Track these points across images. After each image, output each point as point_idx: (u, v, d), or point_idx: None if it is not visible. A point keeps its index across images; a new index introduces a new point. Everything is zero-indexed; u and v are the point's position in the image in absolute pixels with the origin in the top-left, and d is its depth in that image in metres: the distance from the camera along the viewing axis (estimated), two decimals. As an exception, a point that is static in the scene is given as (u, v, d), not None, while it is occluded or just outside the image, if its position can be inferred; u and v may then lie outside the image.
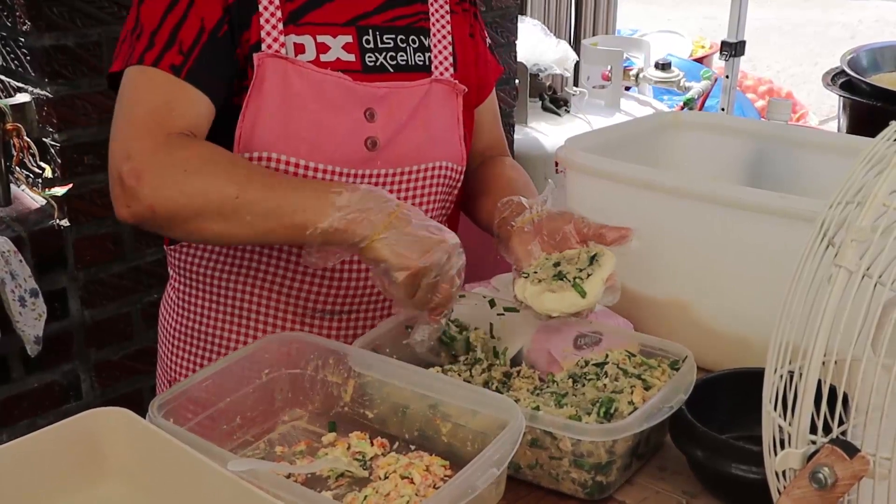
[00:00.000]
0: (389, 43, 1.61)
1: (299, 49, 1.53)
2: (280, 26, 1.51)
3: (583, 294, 1.46)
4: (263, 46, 1.50)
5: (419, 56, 1.64)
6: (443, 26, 1.67)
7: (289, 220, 1.38)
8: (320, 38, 1.55)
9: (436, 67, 1.65)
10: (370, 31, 1.60)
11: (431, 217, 1.65)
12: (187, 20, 1.47)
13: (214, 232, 1.42)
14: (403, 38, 1.63)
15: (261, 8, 1.51)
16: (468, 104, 1.72)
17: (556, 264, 1.51)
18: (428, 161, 1.62)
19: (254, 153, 1.51)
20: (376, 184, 1.58)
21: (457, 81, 1.66)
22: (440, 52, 1.65)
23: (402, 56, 1.62)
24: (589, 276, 1.47)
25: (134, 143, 1.42)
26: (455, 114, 1.67)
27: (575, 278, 1.47)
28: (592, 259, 1.50)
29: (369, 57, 1.59)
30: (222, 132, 1.51)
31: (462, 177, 1.69)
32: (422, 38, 1.65)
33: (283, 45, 1.51)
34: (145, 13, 1.49)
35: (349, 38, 1.57)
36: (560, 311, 1.48)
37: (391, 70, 1.60)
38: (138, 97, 1.46)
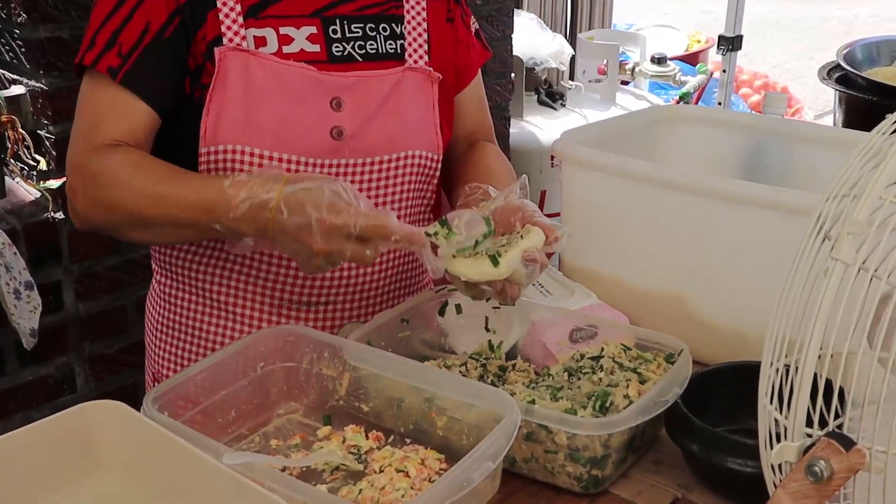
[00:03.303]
0: (358, 32, 1.60)
1: (260, 42, 1.53)
2: (240, 20, 1.51)
3: (495, 263, 1.40)
4: (224, 41, 1.50)
5: (391, 44, 1.63)
6: (417, 13, 1.65)
7: (195, 225, 1.44)
8: (283, 30, 1.55)
9: (409, 55, 1.63)
10: (337, 20, 1.59)
11: (410, 208, 1.66)
12: (131, 22, 1.49)
13: (140, 239, 1.56)
14: (373, 26, 1.61)
15: (218, 4, 1.51)
16: (446, 91, 1.71)
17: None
18: (400, 150, 1.61)
19: (219, 146, 1.51)
20: (345, 174, 1.57)
21: (431, 69, 1.65)
22: (414, 40, 1.64)
23: (371, 45, 1.61)
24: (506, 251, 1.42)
25: (71, 159, 1.53)
26: (430, 102, 1.65)
27: (496, 250, 1.42)
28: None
29: (336, 47, 1.58)
30: (188, 129, 1.52)
31: (439, 165, 1.69)
32: (393, 25, 1.63)
33: (243, 38, 1.51)
34: (95, 12, 1.51)
35: (313, 29, 1.57)
36: (469, 276, 1.41)
37: (360, 59, 1.59)
38: (79, 108, 1.55)
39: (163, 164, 1.49)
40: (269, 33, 1.54)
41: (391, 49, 1.62)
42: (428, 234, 1.39)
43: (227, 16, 1.50)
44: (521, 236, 1.43)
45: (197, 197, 1.42)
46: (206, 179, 1.47)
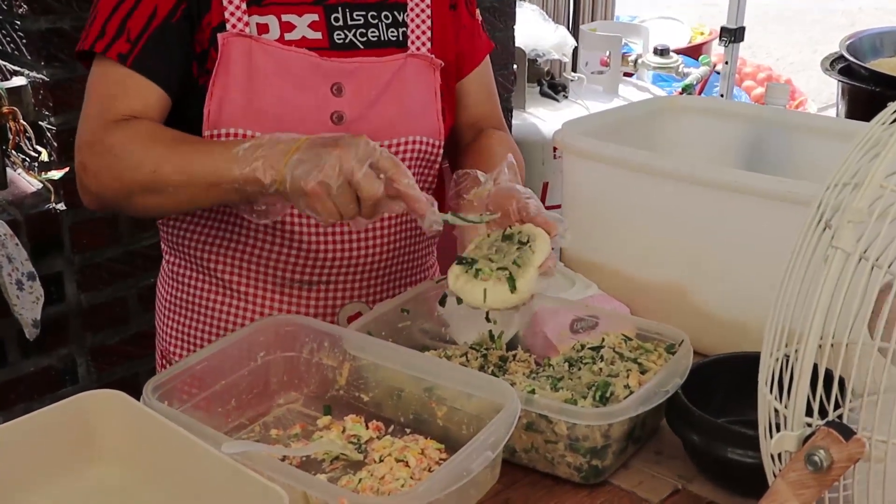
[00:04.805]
0: (360, 20, 1.61)
1: (262, 29, 1.54)
2: (243, 6, 1.53)
3: (513, 289, 1.39)
4: (228, 27, 1.52)
5: (393, 32, 1.63)
6: (421, 0, 1.66)
7: (204, 182, 1.43)
8: (285, 18, 1.56)
9: (412, 42, 1.64)
10: (339, 8, 1.60)
11: None
12: (139, 8, 1.51)
13: (150, 206, 1.52)
14: (375, 14, 1.62)
15: None
16: (449, 79, 1.71)
17: (496, 249, 1.45)
18: (401, 135, 1.62)
19: (221, 129, 1.53)
20: None
21: (433, 56, 1.66)
22: (417, 27, 1.65)
23: (373, 32, 1.62)
24: (519, 266, 1.40)
25: (82, 138, 1.53)
26: (432, 88, 1.66)
27: (506, 270, 1.40)
28: (526, 244, 1.43)
29: (338, 34, 1.59)
30: (192, 114, 1.54)
31: (441, 151, 1.69)
32: (396, 13, 1.64)
33: (246, 24, 1.53)
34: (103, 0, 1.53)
35: (316, 17, 1.58)
36: (490, 306, 1.41)
37: (361, 46, 1.60)
38: (90, 91, 1.55)
39: (178, 132, 1.51)
40: (271, 20, 1.55)
41: (393, 37, 1.63)
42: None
43: (230, 2, 1.52)
44: (530, 247, 1.42)
45: (224, 144, 1.46)
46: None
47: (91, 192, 1.52)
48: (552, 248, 1.44)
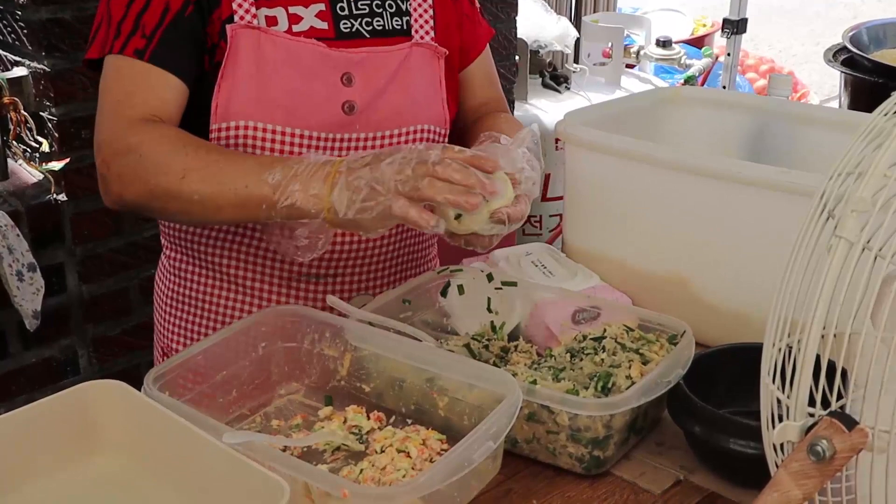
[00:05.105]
0: (364, 9, 1.61)
1: (271, 21, 1.54)
2: None
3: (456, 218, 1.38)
4: (236, 18, 1.52)
5: (397, 20, 1.64)
6: None
7: (233, 196, 1.41)
8: (292, 10, 1.56)
9: (416, 31, 1.65)
10: None
11: None
12: (151, 4, 1.50)
13: (173, 212, 1.50)
14: (379, 3, 1.63)
15: None
16: (451, 67, 1.72)
17: None
18: (409, 125, 1.63)
19: (230, 122, 1.53)
20: (356, 148, 1.59)
21: (437, 45, 1.66)
22: (420, 16, 1.66)
23: (378, 21, 1.62)
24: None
25: (101, 136, 1.51)
26: (437, 77, 1.67)
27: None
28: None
29: (344, 24, 1.59)
30: (199, 108, 1.54)
31: (446, 139, 1.70)
32: (399, 2, 1.65)
33: (254, 16, 1.53)
34: (113, 4, 1.52)
35: (322, 7, 1.58)
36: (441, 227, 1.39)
37: (367, 36, 1.61)
38: (106, 89, 1.54)
39: (205, 140, 1.50)
40: (279, 13, 1.55)
41: (397, 25, 1.63)
42: None
43: None
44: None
45: (255, 160, 1.45)
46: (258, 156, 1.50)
47: (113, 193, 1.50)
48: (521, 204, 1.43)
